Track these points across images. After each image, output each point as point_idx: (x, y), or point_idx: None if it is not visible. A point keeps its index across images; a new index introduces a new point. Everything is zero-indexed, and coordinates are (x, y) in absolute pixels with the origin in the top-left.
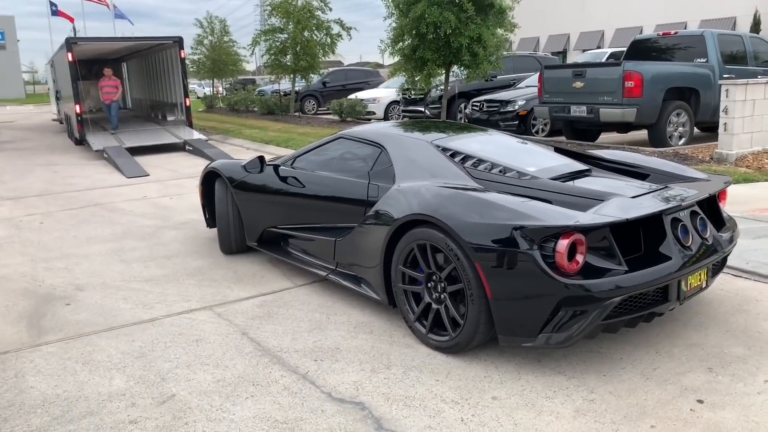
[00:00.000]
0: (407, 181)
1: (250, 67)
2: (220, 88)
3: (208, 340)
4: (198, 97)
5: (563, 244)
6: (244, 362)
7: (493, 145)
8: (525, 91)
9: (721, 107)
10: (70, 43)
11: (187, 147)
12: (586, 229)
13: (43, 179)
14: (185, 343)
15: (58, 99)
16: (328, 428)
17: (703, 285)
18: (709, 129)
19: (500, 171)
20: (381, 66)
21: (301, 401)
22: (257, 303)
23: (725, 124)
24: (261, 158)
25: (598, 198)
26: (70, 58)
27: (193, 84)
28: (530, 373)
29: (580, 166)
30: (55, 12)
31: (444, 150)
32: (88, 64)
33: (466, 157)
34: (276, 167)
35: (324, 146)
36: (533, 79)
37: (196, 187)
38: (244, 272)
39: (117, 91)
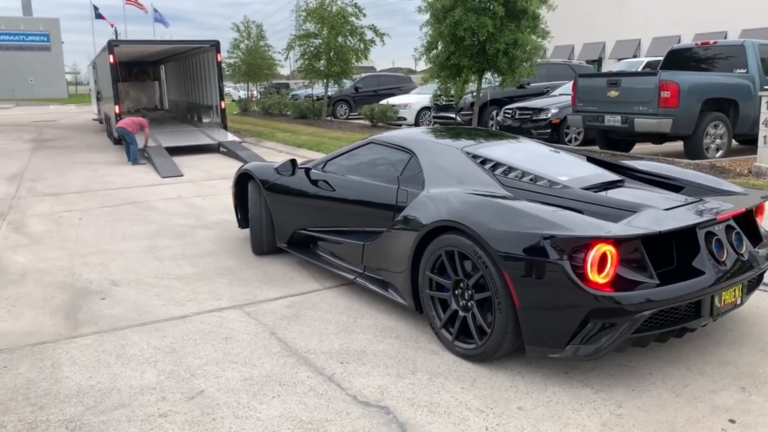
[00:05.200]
0: (436, 187)
1: (284, 71)
2: (255, 92)
3: (237, 339)
4: (233, 100)
5: (594, 255)
6: (271, 362)
7: (524, 153)
8: (558, 99)
9: (761, 119)
10: (111, 46)
11: (221, 149)
12: (617, 241)
13: (83, 177)
14: (215, 341)
15: (98, 99)
16: (352, 431)
17: (738, 301)
18: (748, 142)
19: (531, 179)
20: (413, 72)
21: (326, 403)
22: (286, 304)
23: (765, 137)
24: (293, 161)
25: (631, 209)
26: (111, 60)
27: (229, 87)
28: (557, 384)
29: (612, 176)
30: (99, 15)
31: (474, 157)
32: (128, 66)
33: (497, 165)
34: (307, 170)
35: (355, 151)
36: (567, 87)
37: (228, 188)
38: (274, 273)
39: (135, 127)
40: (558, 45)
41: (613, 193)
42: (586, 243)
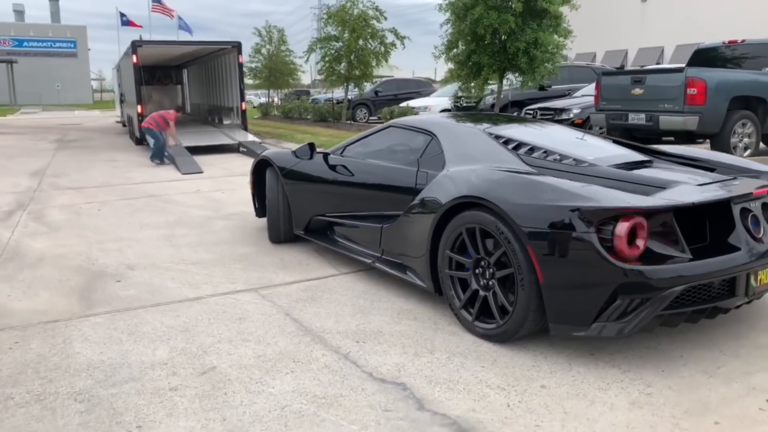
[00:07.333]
0: (457, 167)
1: (305, 80)
2: (276, 99)
3: (251, 319)
4: (254, 107)
5: (623, 227)
6: (285, 340)
7: (548, 135)
8: (580, 99)
9: None
10: (135, 46)
11: (241, 148)
12: (648, 212)
13: (104, 173)
14: (228, 321)
15: (122, 102)
16: (368, 405)
17: None
18: None
19: (556, 158)
20: (433, 81)
21: (341, 379)
22: (302, 287)
23: None
24: (311, 145)
25: (661, 186)
26: (134, 60)
27: (250, 95)
28: (582, 365)
29: (641, 156)
30: (126, 22)
31: (496, 137)
32: (152, 70)
33: (520, 145)
34: (326, 155)
35: (374, 135)
36: (589, 88)
37: (247, 184)
38: (291, 260)
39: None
40: (580, 52)
41: (642, 172)
42: (614, 215)
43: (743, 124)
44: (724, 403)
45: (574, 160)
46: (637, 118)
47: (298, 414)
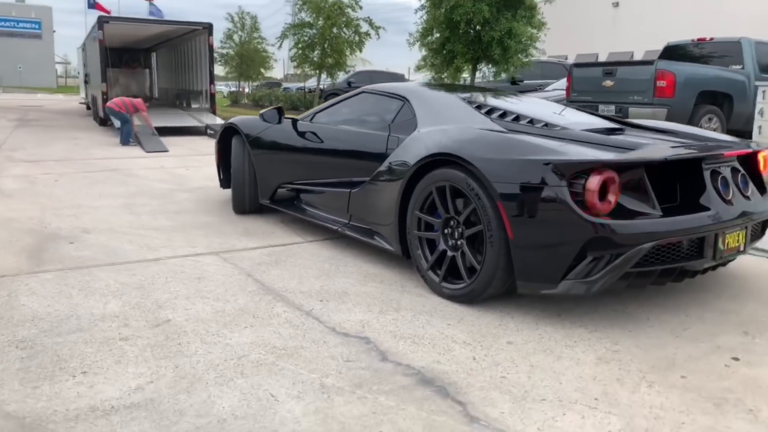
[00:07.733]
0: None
1: (278, 73)
2: (246, 89)
3: (211, 279)
4: (223, 96)
5: (595, 180)
6: (246, 298)
7: (521, 104)
8: (552, 93)
9: (757, 109)
10: (101, 22)
11: (208, 131)
12: (619, 166)
13: (64, 149)
14: (187, 280)
15: (86, 82)
16: (329, 356)
17: (741, 247)
18: None
19: (527, 122)
20: (407, 80)
21: (302, 333)
22: (265, 252)
23: (760, 126)
24: (279, 109)
25: (633, 148)
26: (101, 37)
27: (219, 86)
28: (549, 324)
29: (613, 125)
30: (93, 5)
31: (469, 102)
32: (119, 53)
33: (492, 110)
34: (294, 121)
35: (345, 101)
36: (561, 83)
37: (212, 163)
38: (255, 228)
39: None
40: (552, 55)
41: (615, 136)
42: (586, 168)
43: (709, 119)
44: (690, 360)
45: (546, 124)
46: (606, 110)
47: (256, 363)
